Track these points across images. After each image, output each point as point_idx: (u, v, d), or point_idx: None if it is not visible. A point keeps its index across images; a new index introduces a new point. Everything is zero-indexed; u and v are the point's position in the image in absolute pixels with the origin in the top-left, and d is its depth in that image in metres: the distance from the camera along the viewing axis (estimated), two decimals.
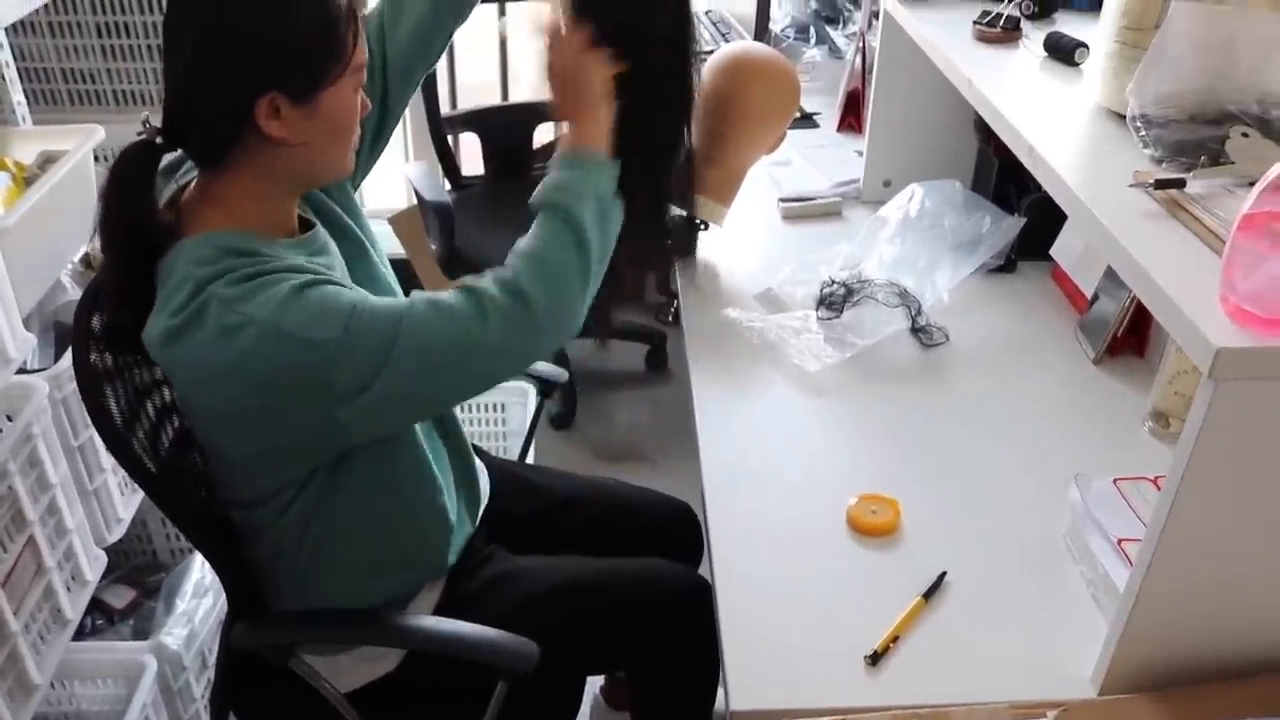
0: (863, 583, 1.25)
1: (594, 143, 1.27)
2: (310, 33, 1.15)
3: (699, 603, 1.46)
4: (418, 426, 1.32)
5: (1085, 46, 1.45)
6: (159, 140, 1.19)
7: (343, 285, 1.18)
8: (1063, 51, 1.48)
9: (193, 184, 1.23)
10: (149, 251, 1.19)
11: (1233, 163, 1.08)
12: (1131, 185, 1.09)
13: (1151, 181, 1.07)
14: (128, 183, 1.19)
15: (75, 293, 1.66)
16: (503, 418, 2.47)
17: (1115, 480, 1.27)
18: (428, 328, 1.14)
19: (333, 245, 1.32)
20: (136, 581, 2.03)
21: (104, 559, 1.64)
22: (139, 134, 1.20)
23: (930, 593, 1.21)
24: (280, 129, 1.16)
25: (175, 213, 1.22)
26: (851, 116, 2.41)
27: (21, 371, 1.50)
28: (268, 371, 1.12)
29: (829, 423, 1.51)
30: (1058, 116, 1.32)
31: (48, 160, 1.59)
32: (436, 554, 1.41)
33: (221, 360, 1.12)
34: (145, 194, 1.20)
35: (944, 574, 1.24)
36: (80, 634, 1.80)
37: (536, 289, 1.17)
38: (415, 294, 1.18)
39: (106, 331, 1.29)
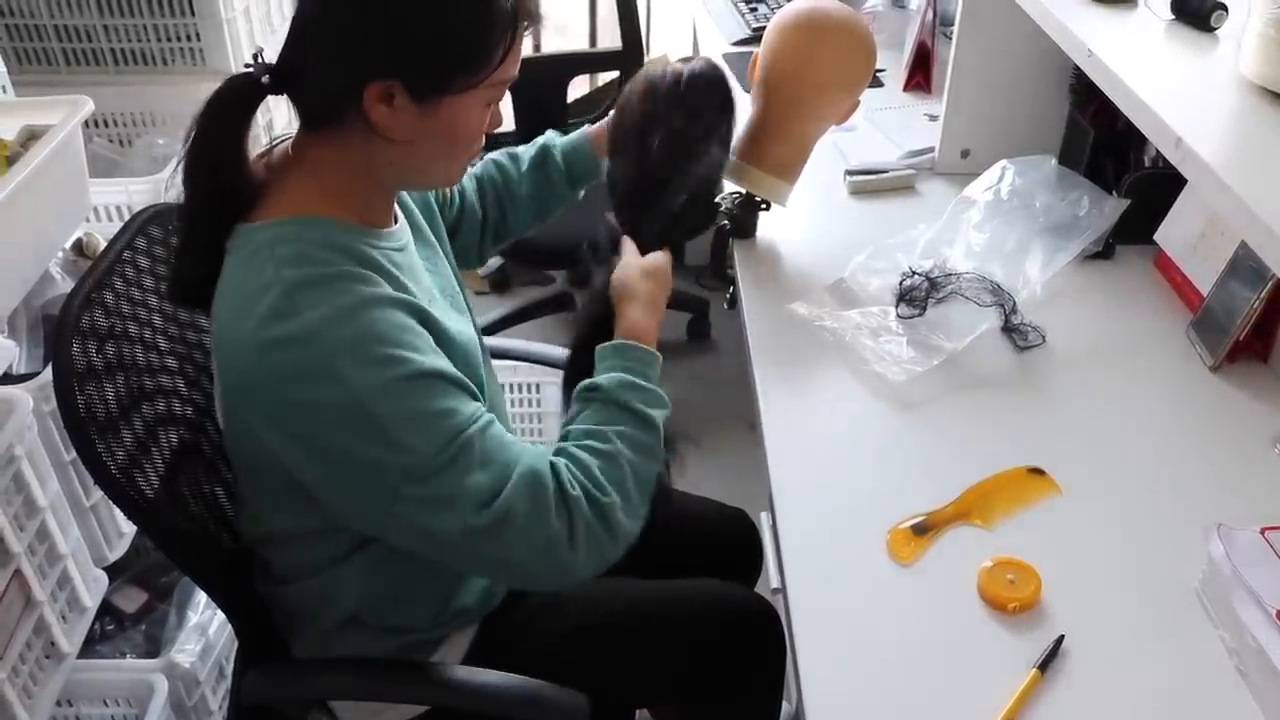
0: (964, 646, 1.07)
1: (648, 336, 1.22)
2: (456, 32, 1.00)
3: (762, 630, 1.34)
4: None
5: (1224, 8, 1.24)
6: (265, 80, 1.04)
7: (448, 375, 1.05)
8: (1195, 15, 1.27)
9: (290, 141, 1.10)
10: (230, 202, 1.06)
11: None
12: None
13: None
14: (220, 120, 1.04)
15: (66, 285, 1.50)
16: (537, 398, 2.30)
17: (1263, 530, 1.09)
18: (515, 521, 1.04)
19: (412, 243, 1.18)
20: (148, 583, 1.89)
21: (104, 580, 1.50)
22: (246, 66, 1.06)
23: (1046, 663, 1.04)
24: (387, 119, 1.01)
25: (266, 169, 1.09)
26: (920, 74, 2.18)
27: (7, 377, 1.34)
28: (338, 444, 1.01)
29: (918, 443, 1.32)
30: (1200, 96, 1.12)
31: (31, 136, 1.42)
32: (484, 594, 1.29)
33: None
34: (237, 135, 1.05)
35: (1061, 638, 1.07)
36: (88, 641, 1.67)
37: (628, 519, 1.10)
38: (522, 456, 1.07)
39: (169, 282, 1.18)
